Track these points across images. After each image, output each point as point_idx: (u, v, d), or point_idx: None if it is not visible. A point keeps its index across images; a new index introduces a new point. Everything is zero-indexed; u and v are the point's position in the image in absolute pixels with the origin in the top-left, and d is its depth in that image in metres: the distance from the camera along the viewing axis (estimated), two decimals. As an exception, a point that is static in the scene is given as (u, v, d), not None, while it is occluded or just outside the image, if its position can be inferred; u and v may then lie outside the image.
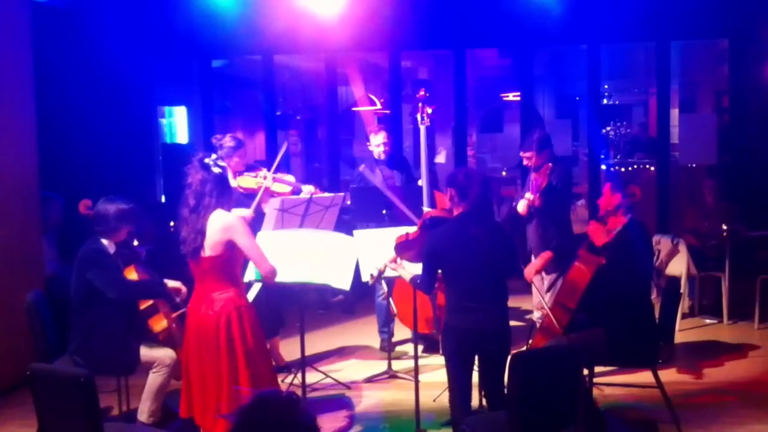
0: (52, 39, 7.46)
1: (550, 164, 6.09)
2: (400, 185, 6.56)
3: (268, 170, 5.94)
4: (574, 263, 5.15)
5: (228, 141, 5.92)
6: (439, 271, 4.28)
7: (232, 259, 4.06)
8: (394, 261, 4.58)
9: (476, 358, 4.30)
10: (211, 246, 4.00)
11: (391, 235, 4.92)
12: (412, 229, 4.77)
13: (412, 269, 4.54)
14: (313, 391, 5.61)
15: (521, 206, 6.11)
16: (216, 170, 4.05)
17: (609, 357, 4.83)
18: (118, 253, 4.84)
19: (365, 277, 4.93)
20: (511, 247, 4.37)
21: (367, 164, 6.77)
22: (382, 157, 6.64)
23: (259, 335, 4.18)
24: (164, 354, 4.76)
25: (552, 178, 6.03)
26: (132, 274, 4.87)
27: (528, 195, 6.03)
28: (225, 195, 4.08)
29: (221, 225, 3.99)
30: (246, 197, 5.78)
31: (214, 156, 4.16)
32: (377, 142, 6.63)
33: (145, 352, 4.76)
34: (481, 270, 4.15)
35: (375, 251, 4.91)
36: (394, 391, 5.70)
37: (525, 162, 6.25)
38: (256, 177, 5.93)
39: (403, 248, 4.55)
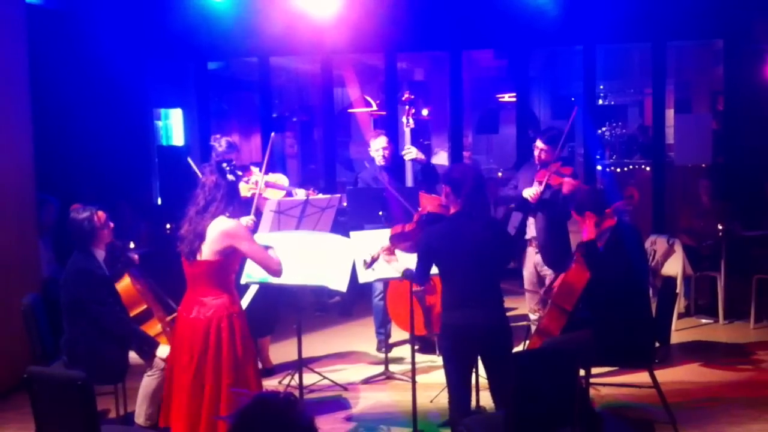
0: (48, 41, 7.46)
1: (560, 163, 6.14)
2: (398, 186, 6.53)
3: (260, 171, 5.91)
4: (572, 265, 5.15)
5: (221, 146, 6.09)
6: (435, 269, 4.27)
7: (227, 265, 4.07)
8: (389, 252, 4.54)
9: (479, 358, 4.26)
10: (209, 251, 4.02)
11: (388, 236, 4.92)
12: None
13: (405, 262, 4.49)
14: (311, 392, 5.61)
15: (532, 192, 6.04)
16: (230, 177, 4.13)
17: (604, 357, 4.83)
18: (108, 260, 4.80)
19: (360, 268, 4.90)
20: (506, 243, 4.41)
21: (369, 171, 6.74)
22: (383, 162, 6.52)
23: (249, 343, 4.16)
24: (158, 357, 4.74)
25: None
26: (126, 283, 4.87)
27: (568, 179, 5.95)
28: (233, 203, 4.13)
29: (224, 231, 4.01)
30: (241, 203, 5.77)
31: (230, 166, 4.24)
32: (377, 147, 6.50)
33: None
34: (476, 268, 4.12)
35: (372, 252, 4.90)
36: (391, 392, 5.70)
37: (536, 152, 6.13)
38: (248, 184, 5.92)
39: (399, 239, 4.55)
